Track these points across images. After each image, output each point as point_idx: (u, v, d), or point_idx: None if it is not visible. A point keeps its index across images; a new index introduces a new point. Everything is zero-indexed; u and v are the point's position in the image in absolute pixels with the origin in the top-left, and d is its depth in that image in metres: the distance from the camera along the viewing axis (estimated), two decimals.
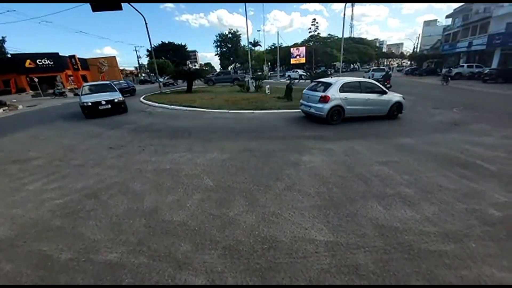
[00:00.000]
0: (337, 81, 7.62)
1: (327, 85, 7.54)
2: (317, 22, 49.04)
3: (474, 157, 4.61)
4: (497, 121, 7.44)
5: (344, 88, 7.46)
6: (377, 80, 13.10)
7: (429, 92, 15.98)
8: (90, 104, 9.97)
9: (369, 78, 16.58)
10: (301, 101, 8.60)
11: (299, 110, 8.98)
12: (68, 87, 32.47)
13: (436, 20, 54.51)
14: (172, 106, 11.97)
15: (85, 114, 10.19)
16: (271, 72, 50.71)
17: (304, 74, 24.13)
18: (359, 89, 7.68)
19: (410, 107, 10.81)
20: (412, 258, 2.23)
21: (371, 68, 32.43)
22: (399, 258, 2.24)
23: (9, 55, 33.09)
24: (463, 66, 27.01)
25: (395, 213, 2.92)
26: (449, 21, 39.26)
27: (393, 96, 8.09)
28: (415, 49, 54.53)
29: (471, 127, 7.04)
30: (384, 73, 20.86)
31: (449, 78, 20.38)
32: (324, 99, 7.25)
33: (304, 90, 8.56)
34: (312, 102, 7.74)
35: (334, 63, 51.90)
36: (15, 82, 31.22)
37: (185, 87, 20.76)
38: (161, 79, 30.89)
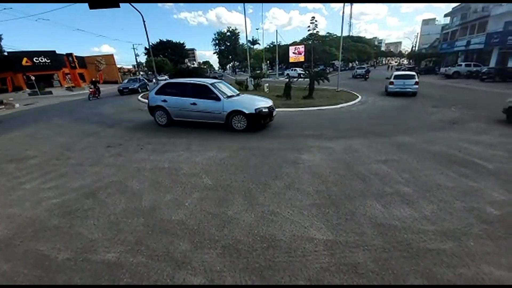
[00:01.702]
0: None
1: (411, 75, 13.72)
2: (316, 21, 48.65)
3: (472, 156, 4.63)
4: (495, 120, 7.47)
5: None
6: (359, 74, 29.74)
7: (428, 91, 16.00)
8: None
9: (353, 74, 32.01)
10: (391, 86, 13.60)
11: (299, 109, 9.79)
12: (66, 85, 32.22)
13: (435, 19, 54.61)
14: None
15: None
16: (270, 71, 50.64)
17: (303, 72, 24.09)
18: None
19: (409, 106, 10.86)
20: (410, 257, 2.24)
21: (356, 67, 43.80)
22: (397, 257, 2.24)
23: (5, 53, 32.70)
24: (461, 65, 27.04)
25: (394, 212, 2.93)
26: (447, 20, 39.30)
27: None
28: (414, 48, 54.58)
29: (469, 125, 7.07)
30: (365, 69, 30.80)
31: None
32: (417, 83, 13.31)
33: (395, 80, 13.59)
34: (408, 86, 13.17)
35: (333, 61, 51.80)
36: (11, 80, 30.87)
37: None
38: (159, 78, 30.74)
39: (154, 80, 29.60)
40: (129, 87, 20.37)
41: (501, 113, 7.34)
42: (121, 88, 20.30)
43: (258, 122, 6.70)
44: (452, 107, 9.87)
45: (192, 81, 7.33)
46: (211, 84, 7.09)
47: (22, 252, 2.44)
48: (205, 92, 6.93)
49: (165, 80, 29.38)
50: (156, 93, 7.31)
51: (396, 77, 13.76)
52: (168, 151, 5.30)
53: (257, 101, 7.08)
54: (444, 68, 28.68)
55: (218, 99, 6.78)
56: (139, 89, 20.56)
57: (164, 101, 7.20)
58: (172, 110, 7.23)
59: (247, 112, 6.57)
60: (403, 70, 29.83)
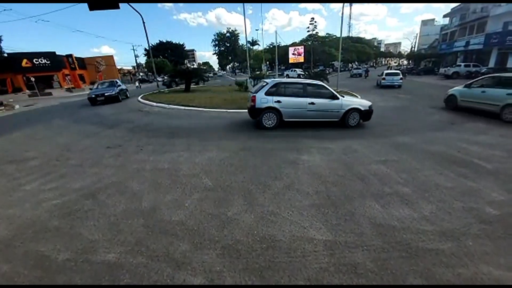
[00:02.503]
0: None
1: (397, 73, 19.06)
2: (315, 21, 48.91)
3: (471, 156, 4.64)
4: (493, 120, 7.49)
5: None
6: (356, 74, 34.50)
7: (427, 91, 16.03)
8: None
9: (350, 74, 36.12)
10: (383, 81, 18.83)
11: None
12: (65, 87, 32.25)
13: (434, 19, 54.62)
14: (170, 106, 11.93)
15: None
16: (270, 72, 50.69)
17: (303, 73, 24.14)
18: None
19: (408, 106, 10.88)
20: (409, 257, 2.25)
21: (353, 67, 46.92)
22: (397, 257, 2.25)
23: (5, 55, 32.76)
24: (460, 65, 27.11)
25: (393, 212, 2.94)
26: (446, 21, 39.38)
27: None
28: (413, 48, 54.70)
29: (468, 125, 7.09)
30: (365, 69, 35.70)
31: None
32: (401, 79, 18.88)
33: (386, 77, 18.85)
34: (395, 81, 18.61)
35: (333, 62, 51.92)
36: (11, 82, 30.93)
37: (183, 87, 20.69)
38: (159, 78, 30.78)
39: (137, 83, 29.79)
40: (105, 94, 14.47)
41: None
42: (92, 96, 14.29)
43: (369, 117, 7.44)
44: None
45: (307, 81, 7.45)
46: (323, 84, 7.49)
47: (22, 253, 2.44)
48: (323, 92, 7.10)
49: (162, 80, 29.14)
50: (267, 94, 6.80)
51: (387, 74, 19.25)
52: (168, 152, 5.30)
53: (363, 100, 7.89)
54: (444, 68, 28.75)
55: (336, 97, 7.06)
56: (119, 96, 15.26)
57: (278, 101, 6.81)
58: (285, 111, 6.90)
59: (362, 109, 7.19)
60: (396, 69, 36.87)
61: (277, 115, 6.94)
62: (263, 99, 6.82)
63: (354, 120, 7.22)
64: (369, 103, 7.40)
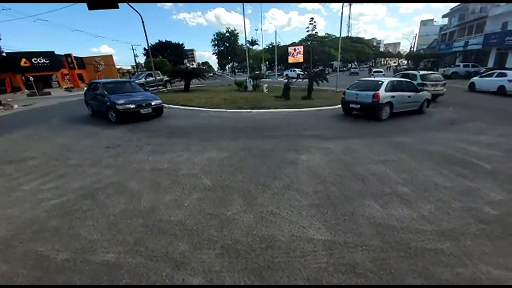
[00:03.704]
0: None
1: (381, 71, 29.59)
2: (315, 21, 48.82)
3: (470, 156, 4.65)
4: (492, 120, 7.51)
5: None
6: (353, 73, 39.27)
7: None
8: None
9: (350, 73, 39.46)
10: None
11: (298, 109, 10.05)
12: (64, 86, 32.15)
13: (433, 19, 54.67)
14: (170, 106, 11.91)
15: None
16: (269, 71, 50.66)
17: (302, 73, 24.17)
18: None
19: None
20: (408, 256, 2.25)
21: (352, 67, 51.21)
22: (396, 256, 2.25)
23: (4, 54, 32.60)
24: (459, 65, 27.17)
25: (392, 212, 2.94)
26: (445, 21, 39.48)
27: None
28: (412, 49, 54.78)
29: (467, 125, 7.11)
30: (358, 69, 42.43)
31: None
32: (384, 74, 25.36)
33: (374, 73, 25.81)
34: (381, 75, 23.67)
35: (332, 62, 51.94)
36: (10, 81, 30.78)
37: (182, 86, 20.67)
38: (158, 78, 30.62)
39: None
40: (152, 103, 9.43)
41: (498, 113, 7.47)
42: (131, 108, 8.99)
43: (429, 105, 9.48)
44: (450, 108, 9.92)
45: (406, 80, 9.06)
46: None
47: (21, 253, 2.44)
48: (412, 86, 8.77)
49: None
50: (386, 91, 7.94)
51: (375, 71, 27.44)
52: (167, 152, 5.30)
53: (426, 92, 9.39)
54: (443, 68, 28.81)
55: (419, 90, 8.81)
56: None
57: (393, 97, 8.08)
58: (396, 104, 8.20)
59: (429, 98, 9.32)
60: (394, 69, 42.47)
61: (390, 108, 8.13)
62: (385, 95, 7.89)
63: (425, 108, 9.21)
64: (430, 94, 9.42)
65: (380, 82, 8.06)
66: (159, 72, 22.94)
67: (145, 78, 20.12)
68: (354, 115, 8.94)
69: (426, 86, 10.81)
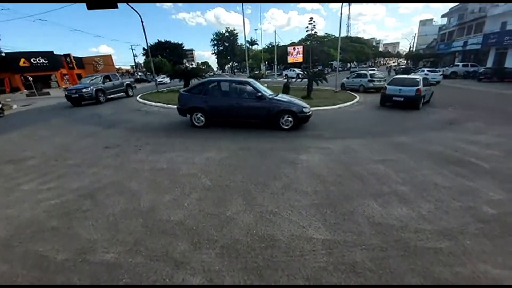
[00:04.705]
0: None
1: (374, 69, 24.82)
2: (314, 21, 48.71)
3: (469, 155, 4.66)
4: (491, 120, 7.53)
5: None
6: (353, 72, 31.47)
7: None
8: None
9: (350, 72, 33.18)
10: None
11: None
12: (63, 86, 32.09)
13: (432, 19, 54.76)
14: (169, 106, 11.89)
15: None
16: (269, 71, 50.63)
17: (302, 73, 24.18)
18: None
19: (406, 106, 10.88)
20: (408, 256, 2.26)
21: (352, 67, 52.13)
22: (395, 256, 2.26)
23: (3, 54, 32.52)
24: (458, 65, 27.22)
25: (391, 211, 2.95)
26: (444, 21, 39.53)
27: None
28: (411, 48, 54.85)
29: (466, 125, 7.13)
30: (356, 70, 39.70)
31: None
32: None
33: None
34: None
35: (331, 62, 51.95)
36: (9, 81, 30.70)
37: (181, 86, 20.64)
38: (158, 78, 30.63)
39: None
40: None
41: (497, 113, 7.44)
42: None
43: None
44: (449, 107, 9.95)
45: (425, 77, 10.86)
46: None
47: (20, 253, 2.44)
48: (428, 81, 11.31)
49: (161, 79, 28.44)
50: (423, 86, 9.87)
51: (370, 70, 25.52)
52: (167, 152, 5.30)
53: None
54: (442, 68, 28.84)
55: (431, 85, 11.92)
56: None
57: (426, 90, 10.22)
58: (426, 96, 10.59)
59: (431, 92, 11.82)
60: (393, 69, 42.48)
61: (424, 99, 10.21)
62: (423, 89, 9.84)
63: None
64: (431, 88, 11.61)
65: (417, 79, 9.95)
66: (116, 74, 17.49)
67: (104, 83, 14.30)
68: (385, 110, 9.63)
69: (374, 81, 15.79)
